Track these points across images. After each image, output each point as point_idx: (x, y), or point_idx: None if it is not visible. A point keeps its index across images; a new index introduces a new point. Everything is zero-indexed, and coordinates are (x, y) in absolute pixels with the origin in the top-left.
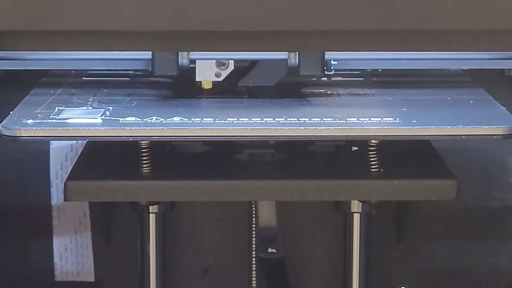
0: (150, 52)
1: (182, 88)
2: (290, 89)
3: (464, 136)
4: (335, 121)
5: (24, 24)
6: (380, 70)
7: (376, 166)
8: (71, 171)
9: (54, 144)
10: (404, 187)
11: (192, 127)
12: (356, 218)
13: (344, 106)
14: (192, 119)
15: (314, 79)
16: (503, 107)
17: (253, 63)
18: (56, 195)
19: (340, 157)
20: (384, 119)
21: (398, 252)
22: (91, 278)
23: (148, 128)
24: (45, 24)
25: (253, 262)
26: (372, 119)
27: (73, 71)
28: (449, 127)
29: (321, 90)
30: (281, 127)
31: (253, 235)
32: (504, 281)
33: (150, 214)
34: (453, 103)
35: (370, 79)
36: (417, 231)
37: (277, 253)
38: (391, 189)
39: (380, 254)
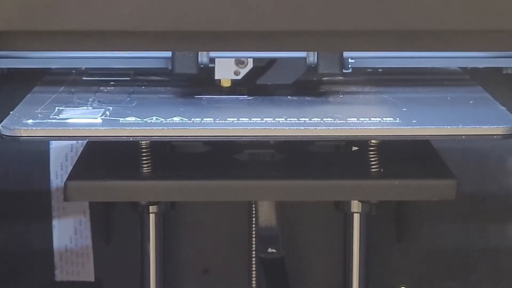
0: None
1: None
2: (290, 89)
3: (464, 136)
4: (335, 121)
5: (34, 24)
6: (380, 70)
7: (376, 166)
8: (71, 171)
9: (54, 144)
10: (404, 187)
11: (192, 127)
12: (356, 218)
13: (344, 105)
14: (192, 119)
15: (315, 78)
16: (503, 107)
17: (271, 61)
18: (56, 195)
19: (340, 157)
20: (384, 119)
21: (398, 252)
22: (91, 278)
23: (148, 128)
24: (68, 24)
25: (253, 262)
26: (372, 119)
27: (73, 71)
28: (449, 127)
29: (321, 90)
30: (281, 127)
31: (253, 235)
32: (504, 281)
33: (150, 214)
34: (453, 102)
35: (370, 78)
36: (417, 231)
37: (277, 253)
38: (391, 189)
39: (380, 254)
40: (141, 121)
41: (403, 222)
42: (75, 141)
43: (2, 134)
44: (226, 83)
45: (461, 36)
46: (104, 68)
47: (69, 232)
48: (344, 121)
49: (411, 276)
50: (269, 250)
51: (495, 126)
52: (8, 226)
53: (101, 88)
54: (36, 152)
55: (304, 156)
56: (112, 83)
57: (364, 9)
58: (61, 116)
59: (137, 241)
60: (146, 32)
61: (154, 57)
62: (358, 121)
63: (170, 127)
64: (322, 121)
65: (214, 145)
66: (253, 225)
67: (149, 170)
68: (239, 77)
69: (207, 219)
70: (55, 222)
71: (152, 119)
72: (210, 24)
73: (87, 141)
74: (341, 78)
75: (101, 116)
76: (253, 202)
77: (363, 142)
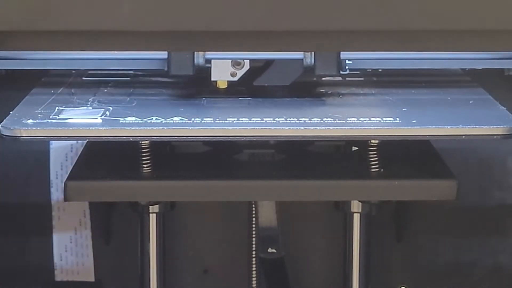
0: (166, 52)
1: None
2: (290, 89)
3: (464, 136)
4: (335, 121)
5: (34, 24)
6: (380, 70)
7: (376, 166)
8: (71, 171)
9: (54, 144)
10: (404, 187)
11: (192, 127)
12: (356, 218)
13: (344, 106)
14: (192, 119)
15: (315, 79)
16: (503, 107)
17: (268, 62)
18: (56, 195)
19: (340, 157)
20: (384, 119)
21: (398, 252)
22: (91, 278)
23: (148, 128)
24: (61, 24)
25: (253, 262)
26: (372, 119)
27: (73, 71)
28: (449, 127)
29: (321, 90)
30: (281, 127)
31: (253, 235)
32: (504, 281)
33: (150, 214)
34: (453, 103)
35: (371, 79)
36: (417, 231)
37: (277, 253)
38: (391, 189)
39: (380, 254)
40: (141, 121)
41: (403, 222)
42: (75, 141)
43: (2, 134)
44: (222, 85)
45: (461, 36)
46: (104, 68)
47: (69, 232)
48: (344, 121)
49: (411, 276)
50: (269, 250)
51: (495, 126)
52: (8, 226)
53: (101, 88)
54: (36, 152)
55: (304, 156)
56: (112, 83)
57: (363, 9)
58: (61, 116)
59: (137, 241)
60: (142, 32)
61: (150, 58)
62: (358, 121)
63: (170, 127)
64: (322, 121)
65: (214, 145)
66: (253, 225)
67: (149, 170)
68: (235, 79)
69: (207, 219)
70: (55, 222)
71: (152, 119)
72: (206, 24)
73: (87, 141)
74: (340, 79)
75: (101, 116)
76: (253, 202)
77: (363, 142)
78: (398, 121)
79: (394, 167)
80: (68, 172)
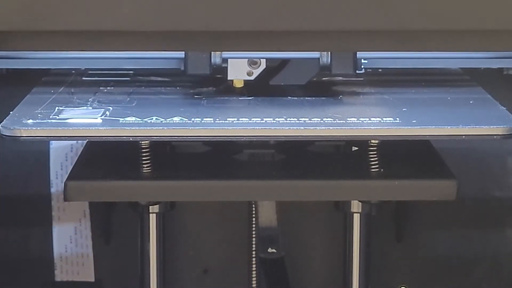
0: (183, 51)
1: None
2: (290, 89)
3: (464, 136)
4: (335, 121)
5: (35, 24)
6: (380, 70)
7: (376, 166)
8: (71, 171)
9: (54, 144)
10: (404, 187)
11: (192, 127)
12: (356, 218)
13: (344, 106)
14: (192, 119)
15: (315, 79)
16: (503, 107)
17: (284, 62)
18: (56, 195)
19: (340, 157)
20: (384, 119)
21: (398, 252)
22: (91, 278)
23: (148, 128)
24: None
25: (253, 262)
26: (372, 119)
27: (73, 71)
28: (449, 127)
29: (321, 90)
30: (281, 127)
31: (253, 235)
32: (504, 281)
33: (150, 214)
34: (453, 103)
35: (370, 78)
36: (417, 231)
37: (277, 253)
38: (391, 189)
39: (380, 254)
40: (141, 121)
41: (403, 222)
42: (75, 141)
43: (2, 134)
44: (239, 84)
45: (462, 36)
46: (104, 68)
47: (69, 232)
48: (344, 121)
49: (411, 276)
50: (269, 250)
51: (495, 126)
52: (8, 226)
53: (101, 88)
54: (36, 152)
55: (304, 156)
56: (112, 83)
57: (365, 9)
58: (61, 116)
59: (137, 241)
60: (159, 32)
61: (166, 57)
62: (358, 121)
63: (170, 127)
64: (322, 121)
65: (214, 145)
66: (253, 225)
67: (149, 170)
68: (252, 78)
69: (207, 219)
70: (55, 222)
71: (152, 119)
72: (223, 24)
73: (87, 141)
74: (340, 78)
75: (101, 116)
76: (253, 202)
77: (363, 142)
78: (398, 121)
79: (394, 167)
80: (68, 172)
